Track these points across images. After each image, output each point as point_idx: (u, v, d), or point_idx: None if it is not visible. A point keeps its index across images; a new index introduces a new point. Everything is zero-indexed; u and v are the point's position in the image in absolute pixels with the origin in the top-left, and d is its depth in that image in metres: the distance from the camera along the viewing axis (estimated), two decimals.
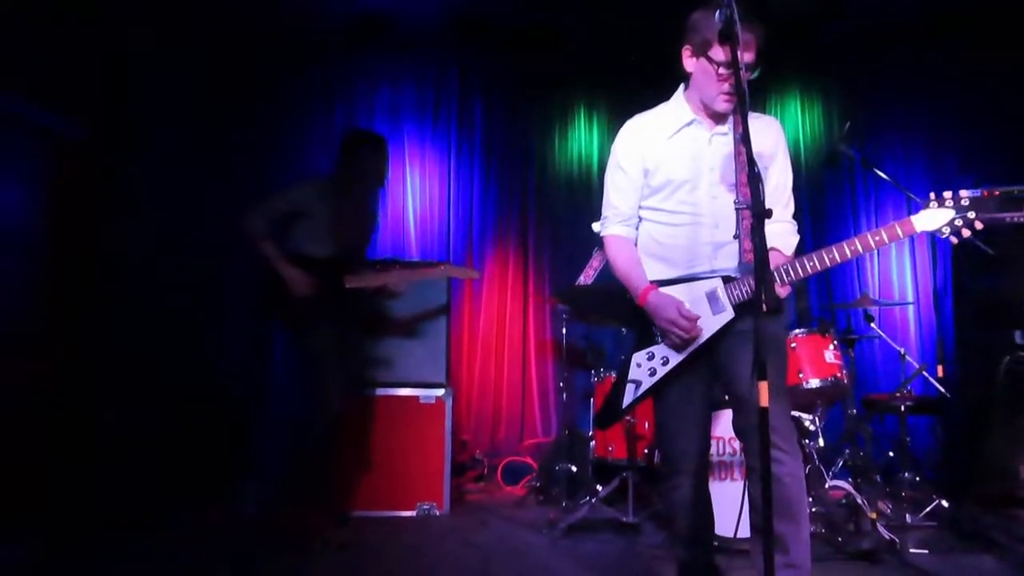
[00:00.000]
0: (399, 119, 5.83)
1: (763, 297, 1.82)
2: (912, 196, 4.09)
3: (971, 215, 2.19)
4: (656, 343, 2.39)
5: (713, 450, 3.40)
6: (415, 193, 5.80)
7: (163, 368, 4.71)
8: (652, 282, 2.39)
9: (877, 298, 5.23)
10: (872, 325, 4.44)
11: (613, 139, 6.08)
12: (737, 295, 2.30)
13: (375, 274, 3.93)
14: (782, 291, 2.29)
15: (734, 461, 3.50)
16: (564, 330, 4.72)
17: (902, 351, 4.31)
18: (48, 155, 4.30)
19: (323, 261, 3.78)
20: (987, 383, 4.38)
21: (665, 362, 2.36)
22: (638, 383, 2.39)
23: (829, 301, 5.57)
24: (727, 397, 2.45)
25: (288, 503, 3.84)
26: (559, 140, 5.93)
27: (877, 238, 2.22)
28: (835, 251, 2.25)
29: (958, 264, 4.90)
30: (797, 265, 2.26)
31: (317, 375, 3.76)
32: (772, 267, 2.21)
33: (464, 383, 5.61)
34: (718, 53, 2.23)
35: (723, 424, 3.43)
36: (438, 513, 4.30)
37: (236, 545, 3.70)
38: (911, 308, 5.48)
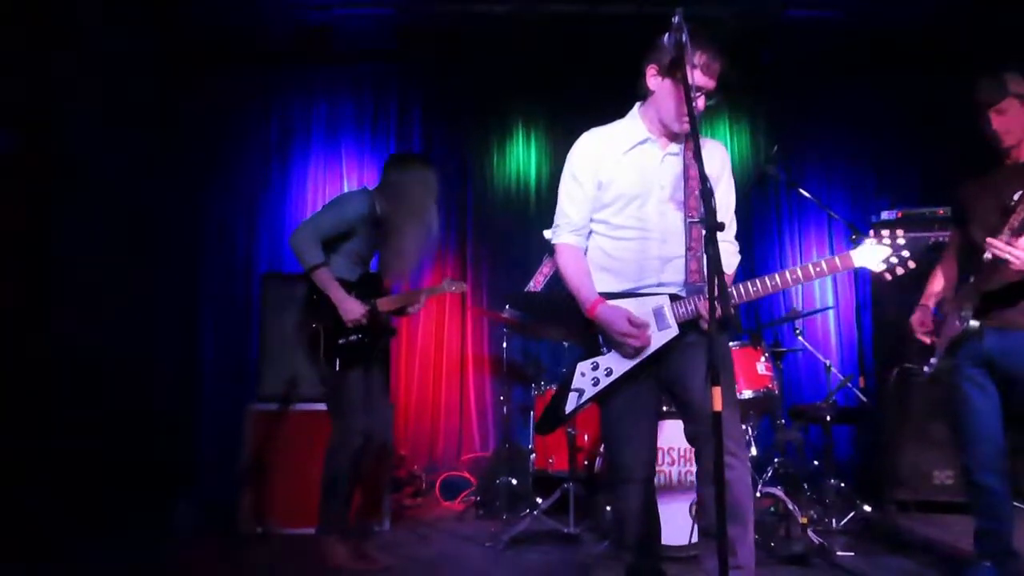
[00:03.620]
0: (336, 132, 5.81)
1: (715, 308, 1.90)
2: (834, 215, 4.31)
3: (905, 254, 2.34)
4: (601, 354, 2.44)
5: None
6: None
7: (91, 385, 4.55)
8: (600, 294, 2.45)
9: (801, 311, 5.46)
10: (799, 337, 4.62)
11: (550, 155, 6.20)
12: (682, 313, 2.38)
13: (401, 295, 3.77)
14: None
15: (672, 471, 3.61)
16: (504, 344, 4.76)
17: (828, 363, 4.51)
18: None
19: (355, 284, 3.59)
20: (902, 393, 4.64)
21: (608, 373, 2.42)
22: (581, 391, 2.45)
23: (756, 314, 5.78)
24: (676, 407, 2.53)
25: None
26: (497, 156, 5.98)
27: (818, 269, 2.36)
28: (778, 278, 2.37)
29: (877, 279, 5.17)
30: (741, 289, 2.38)
31: (345, 410, 3.56)
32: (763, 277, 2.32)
33: (402, 398, 5.58)
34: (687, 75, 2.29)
35: (664, 435, 3.52)
36: (378, 529, 4.25)
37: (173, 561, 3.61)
38: (832, 323, 5.74)
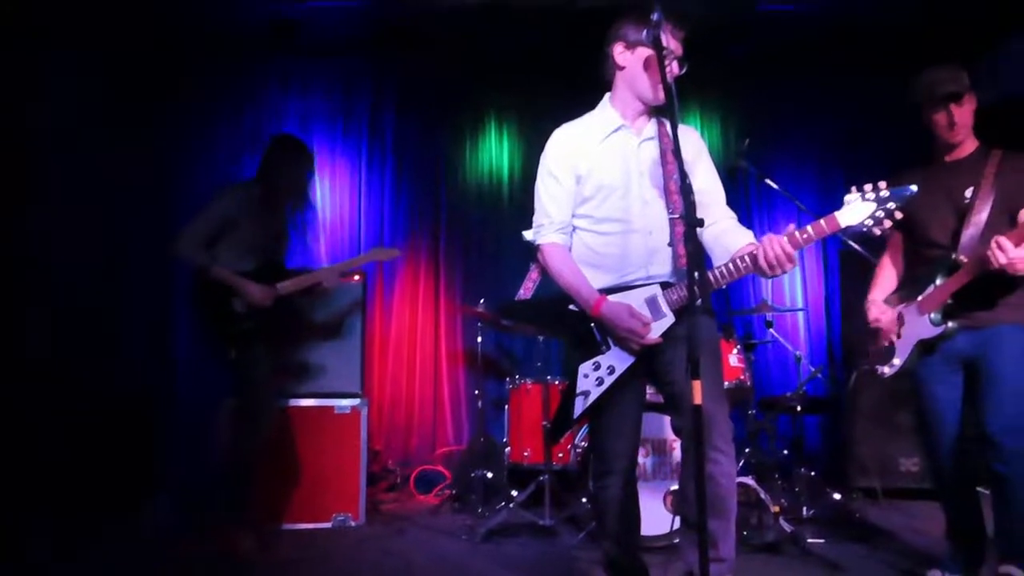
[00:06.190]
0: (309, 126, 5.74)
1: (698, 299, 1.91)
2: (803, 207, 4.35)
3: (891, 206, 2.17)
4: (600, 352, 2.41)
5: None
6: (325, 202, 5.72)
7: (64, 376, 4.47)
8: None
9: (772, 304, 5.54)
10: (771, 331, 4.68)
11: (523, 149, 6.17)
12: (675, 299, 2.34)
13: (304, 276, 3.86)
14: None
15: (646, 463, 3.65)
16: (479, 338, 4.76)
17: (798, 354, 4.57)
18: None
19: (251, 274, 3.69)
20: (867, 384, 4.74)
21: (611, 371, 2.39)
22: (587, 393, 2.41)
23: (727, 307, 5.84)
24: (664, 399, 2.51)
25: (213, 519, 3.73)
26: (470, 150, 5.97)
27: (805, 235, 2.22)
28: (760, 253, 2.23)
29: (845, 271, 5.26)
30: (731, 265, 2.29)
31: (253, 393, 3.72)
32: (746, 253, 2.26)
33: (376, 392, 5.55)
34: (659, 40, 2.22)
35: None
36: (354, 523, 4.26)
37: (151, 561, 3.59)
38: (801, 314, 5.84)
